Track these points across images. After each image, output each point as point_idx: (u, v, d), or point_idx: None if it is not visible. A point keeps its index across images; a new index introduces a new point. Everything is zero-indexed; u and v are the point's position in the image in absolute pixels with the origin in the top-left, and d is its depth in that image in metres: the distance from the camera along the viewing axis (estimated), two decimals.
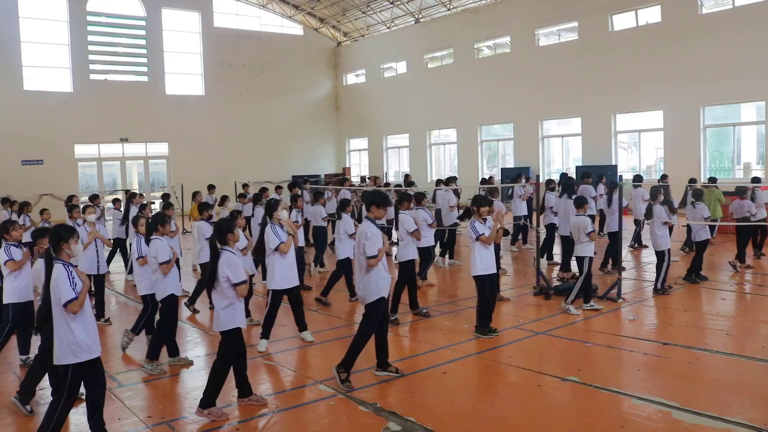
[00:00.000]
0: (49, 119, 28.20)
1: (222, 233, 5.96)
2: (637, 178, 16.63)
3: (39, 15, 28.57)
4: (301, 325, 8.30)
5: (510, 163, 28.44)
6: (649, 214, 10.71)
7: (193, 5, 32.45)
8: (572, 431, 5.47)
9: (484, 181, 17.07)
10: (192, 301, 10.26)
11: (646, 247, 14.83)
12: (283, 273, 7.90)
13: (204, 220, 10.23)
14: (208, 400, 5.84)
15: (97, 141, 30.20)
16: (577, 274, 9.59)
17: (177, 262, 7.64)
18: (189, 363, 7.48)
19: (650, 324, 8.83)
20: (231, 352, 5.99)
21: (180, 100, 31.92)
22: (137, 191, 16.63)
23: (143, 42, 31.44)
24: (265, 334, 8.04)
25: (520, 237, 16.25)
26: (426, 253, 11.17)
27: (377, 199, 6.86)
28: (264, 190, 14.58)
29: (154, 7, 31.17)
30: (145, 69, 31.54)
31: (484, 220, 8.22)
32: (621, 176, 14.29)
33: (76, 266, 5.32)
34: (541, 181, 15.78)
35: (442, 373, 6.93)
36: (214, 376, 5.90)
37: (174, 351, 7.50)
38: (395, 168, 34.66)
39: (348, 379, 6.48)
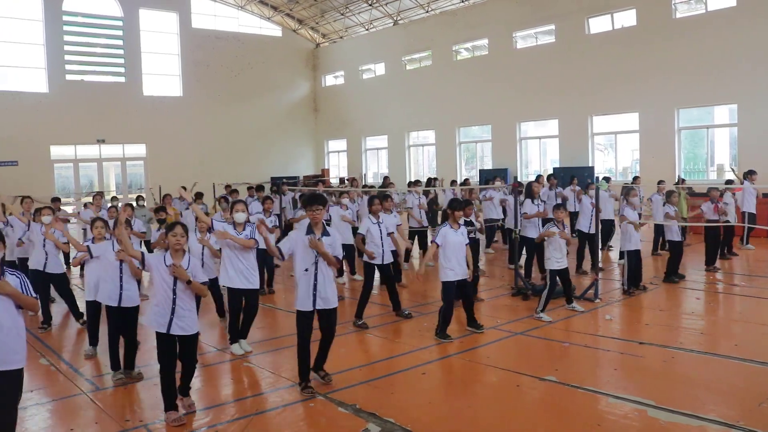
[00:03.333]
0: (24, 120, 27.82)
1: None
2: (607, 180, 16.88)
3: (13, 14, 28.18)
4: (244, 332, 8.03)
5: (488, 165, 28.59)
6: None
7: (170, 6, 32.23)
8: (550, 430, 5.53)
9: (423, 182, 17.30)
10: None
11: (611, 248, 15.01)
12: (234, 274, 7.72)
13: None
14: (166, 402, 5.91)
15: (73, 142, 29.88)
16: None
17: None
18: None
19: (626, 324, 8.95)
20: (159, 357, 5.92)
21: (157, 101, 31.68)
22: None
23: (120, 42, 31.15)
24: (233, 338, 7.99)
25: (496, 239, 16.37)
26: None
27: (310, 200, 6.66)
28: (235, 191, 14.55)
29: (131, 8, 30.90)
30: (122, 69, 31.26)
31: (459, 225, 8.25)
32: (598, 177, 14.43)
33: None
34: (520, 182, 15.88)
35: (421, 374, 6.96)
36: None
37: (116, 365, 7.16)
38: (374, 169, 34.68)
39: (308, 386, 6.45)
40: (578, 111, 24.71)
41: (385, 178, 19.17)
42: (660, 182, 14.16)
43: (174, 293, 5.79)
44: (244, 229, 7.67)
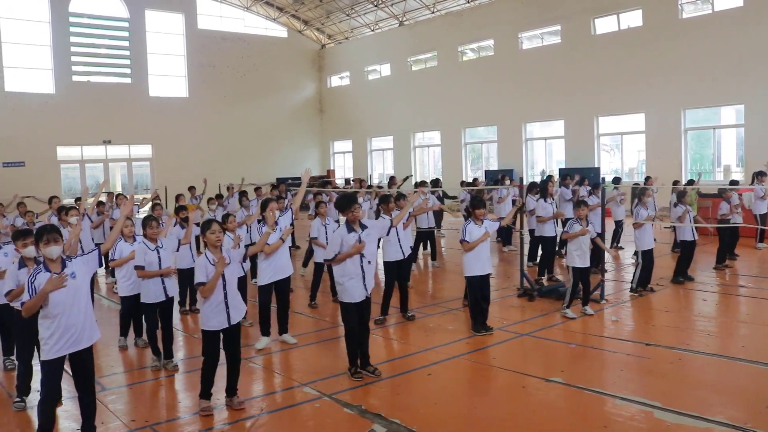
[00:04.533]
0: (31, 121, 27.95)
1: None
2: (616, 180, 16.86)
3: (20, 15, 28.30)
4: (282, 327, 8.36)
5: (494, 166, 28.55)
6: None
7: (176, 7, 32.32)
8: (556, 431, 5.52)
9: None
10: (181, 303, 10.29)
11: (622, 248, 14.99)
12: (263, 270, 7.98)
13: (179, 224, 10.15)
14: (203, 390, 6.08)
15: (79, 143, 29.98)
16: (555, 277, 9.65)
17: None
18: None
19: (633, 325, 8.92)
20: (206, 352, 6.06)
21: (164, 101, 31.77)
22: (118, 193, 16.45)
23: (126, 43, 31.25)
24: (265, 331, 8.19)
25: (499, 239, 16.36)
26: None
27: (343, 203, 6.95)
28: (244, 193, 14.55)
29: (137, 9, 31.00)
30: (128, 71, 31.35)
31: (482, 220, 8.32)
32: (603, 178, 14.39)
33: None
34: (524, 183, 15.85)
35: (427, 375, 6.96)
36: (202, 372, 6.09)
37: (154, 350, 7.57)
38: (379, 170, 34.68)
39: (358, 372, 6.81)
40: (584, 112, 24.66)
41: (392, 178, 19.15)
42: (675, 182, 14.13)
43: (224, 288, 5.95)
44: (278, 225, 7.96)
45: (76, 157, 30.28)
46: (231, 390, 6.18)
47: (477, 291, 8.38)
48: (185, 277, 9.67)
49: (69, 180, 30.40)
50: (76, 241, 6.20)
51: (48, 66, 29.09)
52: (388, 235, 7.92)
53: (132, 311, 8.13)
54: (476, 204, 8.47)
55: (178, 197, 15.06)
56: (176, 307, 10.36)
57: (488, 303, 8.57)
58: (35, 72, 28.84)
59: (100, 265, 5.66)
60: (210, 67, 33.05)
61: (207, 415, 5.90)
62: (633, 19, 23.49)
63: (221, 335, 6.05)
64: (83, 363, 5.22)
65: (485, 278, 8.45)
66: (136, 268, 7.36)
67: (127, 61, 31.30)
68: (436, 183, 18.25)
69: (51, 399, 5.19)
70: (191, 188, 18.10)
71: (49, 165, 28.68)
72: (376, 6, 32.04)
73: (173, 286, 7.67)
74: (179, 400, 6.52)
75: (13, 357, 7.23)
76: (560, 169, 24.39)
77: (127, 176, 31.69)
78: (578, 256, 9.18)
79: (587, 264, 9.23)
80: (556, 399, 6.22)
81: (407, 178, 17.51)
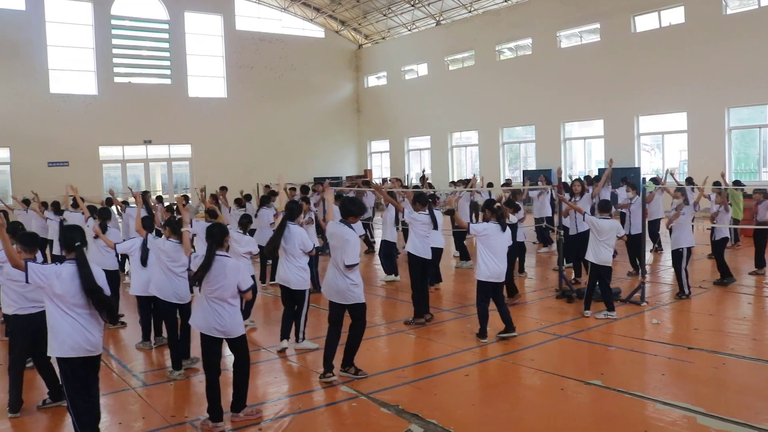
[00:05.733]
0: (75, 121, 28.58)
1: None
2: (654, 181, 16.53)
3: (65, 19, 28.95)
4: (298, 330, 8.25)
5: (532, 166, 28.32)
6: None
7: (215, 8, 32.72)
8: None
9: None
10: None
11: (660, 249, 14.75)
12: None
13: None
14: (239, 403, 5.88)
15: (121, 143, 30.55)
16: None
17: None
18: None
19: (674, 328, 8.75)
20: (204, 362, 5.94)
21: (202, 102, 32.19)
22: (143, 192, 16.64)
23: (166, 45, 31.74)
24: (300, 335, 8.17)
25: (537, 239, 16.21)
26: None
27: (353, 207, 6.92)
28: (273, 193, 14.61)
29: (177, 11, 31.46)
30: (168, 72, 31.84)
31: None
32: (644, 179, 14.15)
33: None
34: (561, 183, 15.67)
35: (464, 376, 6.92)
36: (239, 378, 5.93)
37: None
38: (416, 170, 34.63)
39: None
40: (624, 111, 24.31)
41: (423, 177, 19.07)
42: (715, 183, 13.82)
43: None
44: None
45: (117, 157, 30.88)
46: (238, 404, 5.89)
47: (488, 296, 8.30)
48: None
49: (111, 179, 30.96)
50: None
51: (91, 68, 29.69)
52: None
53: (150, 310, 8.27)
54: (491, 205, 8.44)
55: (212, 197, 15.22)
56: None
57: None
58: (79, 74, 29.44)
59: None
60: (248, 68, 33.38)
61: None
62: (675, 15, 23.08)
63: (222, 341, 5.89)
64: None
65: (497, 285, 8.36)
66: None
67: (167, 63, 31.79)
68: (467, 183, 18.15)
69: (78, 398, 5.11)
70: (223, 188, 18.23)
71: (91, 165, 29.26)
72: (412, 6, 32.01)
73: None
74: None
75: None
76: (599, 170, 24.05)
77: (167, 176, 32.17)
78: (597, 252, 9.04)
79: (606, 262, 9.07)
80: (594, 402, 6.13)
81: (424, 176, 17.41)
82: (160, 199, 15.60)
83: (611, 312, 9.03)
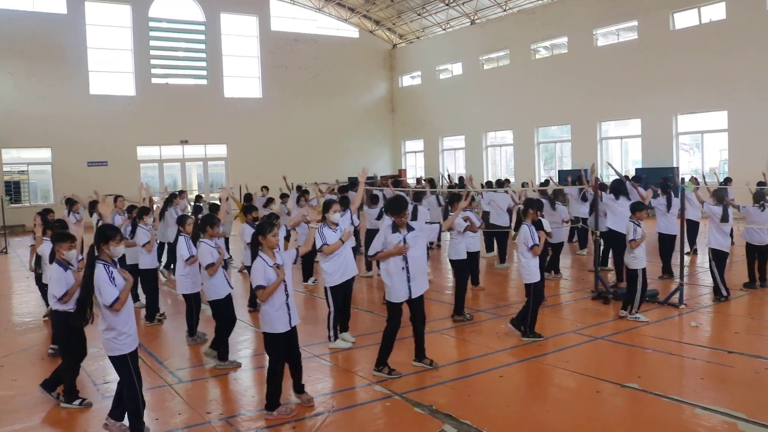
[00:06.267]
0: (113, 122, 29.09)
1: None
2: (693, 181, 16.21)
3: (104, 22, 29.49)
4: (343, 326, 8.42)
5: (567, 165, 28.03)
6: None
7: (251, 10, 33.02)
8: None
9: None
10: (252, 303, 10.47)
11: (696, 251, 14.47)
12: (333, 271, 8.01)
13: (249, 222, 10.32)
14: (271, 401, 5.93)
15: (158, 143, 31.02)
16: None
17: (225, 263, 7.85)
18: (237, 366, 7.51)
19: (713, 331, 8.58)
20: (273, 356, 6.05)
21: (238, 102, 32.51)
22: (177, 191, 16.73)
23: (203, 46, 32.13)
24: (336, 335, 8.23)
25: (575, 239, 16.02)
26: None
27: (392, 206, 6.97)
28: (305, 192, 14.68)
29: (213, 12, 31.83)
30: (204, 72, 32.23)
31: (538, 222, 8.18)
32: (683, 179, 13.92)
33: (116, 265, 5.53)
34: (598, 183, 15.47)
35: (499, 377, 6.87)
36: (269, 378, 6.00)
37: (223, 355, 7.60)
38: (451, 170, 34.50)
39: (385, 368, 6.89)
40: (662, 110, 23.92)
41: (461, 177, 19.03)
42: (759, 183, 13.48)
43: (286, 289, 5.99)
44: (338, 226, 8.09)
45: (154, 157, 31.36)
46: (299, 386, 6.22)
47: (541, 296, 8.23)
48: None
49: (148, 179, 31.39)
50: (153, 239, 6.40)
51: (129, 69, 30.19)
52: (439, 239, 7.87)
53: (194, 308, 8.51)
54: (534, 205, 8.31)
55: (248, 197, 15.37)
56: (244, 304, 10.61)
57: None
58: (117, 75, 29.94)
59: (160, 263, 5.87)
60: (283, 68, 33.63)
61: (289, 414, 5.89)
62: (715, 12, 22.63)
63: (284, 337, 6.04)
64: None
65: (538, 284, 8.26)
66: (208, 266, 7.53)
67: (203, 63, 32.17)
68: (502, 184, 18.04)
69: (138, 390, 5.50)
70: (264, 188, 18.39)
71: (129, 164, 29.74)
72: (447, 5, 31.92)
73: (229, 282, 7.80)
74: (252, 395, 6.62)
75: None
76: (636, 169, 23.74)
77: (203, 175, 32.55)
78: (636, 257, 8.90)
79: (642, 265, 8.93)
80: (631, 405, 6.03)
81: (449, 176, 17.33)
82: (198, 198, 15.79)
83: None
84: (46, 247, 8.04)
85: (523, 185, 18.57)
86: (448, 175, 18.31)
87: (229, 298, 7.68)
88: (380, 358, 6.93)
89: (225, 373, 7.29)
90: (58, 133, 27.99)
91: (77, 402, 6.33)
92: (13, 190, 28.07)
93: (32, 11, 27.87)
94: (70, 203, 13.76)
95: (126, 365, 5.42)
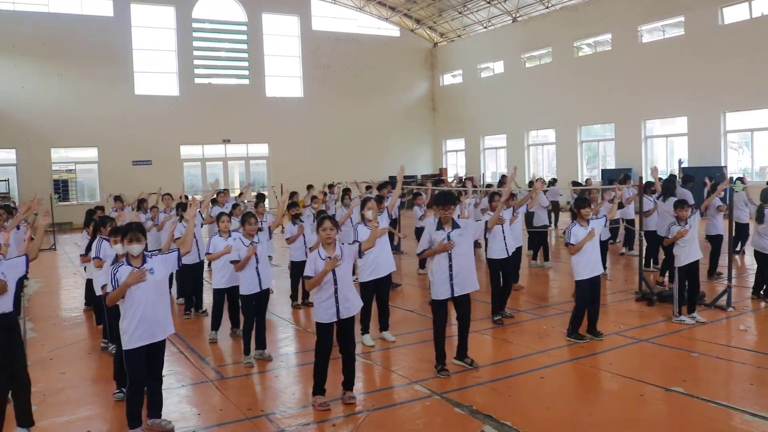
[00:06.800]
0: (158, 122, 29.64)
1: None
2: (741, 180, 15.79)
3: (149, 23, 30.04)
4: (383, 325, 8.41)
5: (611, 164, 27.61)
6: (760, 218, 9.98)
7: (292, 10, 33.28)
8: None
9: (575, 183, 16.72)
10: (293, 297, 10.55)
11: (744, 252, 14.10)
12: (363, 267, 8.07)
13: (291, 220, 10.38)
14: (315, 387, 6.19)
15: (201, 142, 31.49)
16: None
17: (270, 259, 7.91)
18: (248, 365, 7.49)
19: (764, 335, 8.33)
20: (317, 344, 6.18)
21: (280, 102, 32.80)
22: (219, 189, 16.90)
23: (245, 46, 32.49)
24: (365, 329, 8.24)
25: (619, 240, 15.77)
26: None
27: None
28: (347, 190, 14.69)
29: (255, 13, 32.16)
30: (246, 72, 32.59)
31: (587, 222, 8.01)
32: (732, 177, 13.60)
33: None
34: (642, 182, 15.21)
35: (540, 378, 6.78)
36: (314, 364, 6.21)
37: (246, 349, 7.63)
38: (492, 169, 34.31)
39: (444, 369, 6.85)
40: (709, 107, 23.37)
41: (503, 176, 18.87)
42: None
43: (335, 283, 6.03)
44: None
45: (197, 156, 31.83)
46: (348, 383, 6.26)
47: (586, 295, 8.05)
48: (298, 270, 9.88)
49: (191, 177, 31.94)
50: (191, 237, 6.41)
51: (173, 70, 30.69)
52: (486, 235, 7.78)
53: (223, 304, 8.72)
54: (580, 204, 8.11)
55: (292, 195, 15.45)
56: (288, 302, 10.70)
57: (598, 305, 8.23)
58: (161, 76, 30.48)
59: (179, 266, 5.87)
60: (324, 68, 33.81)
61: (324, 410, 5.98)
62: (767, 6, 21.99)
63: (334, 328, 6.15)
64: (156, 354, 5.59)
65: (594, 280, 8.07)
66: (232, 262, 7.60)
67: (246, 63, 32.54)
68: (552, 183, 17.87)
69: (135, 385, 5.50)
70: (310, 186, 18.46)
71: (173, 163, 30.27)
72: (488, 3, 31.71)
73: (268, 279, 7.78)
74: (293, 392, 6.66)
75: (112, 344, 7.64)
76: (684, 169, 23.20)
77: (245, 174, 32.91)
78: (681, 254, 8.70)
79: (693, 258, 8.72)
80: (676, 410, 5.89)
81: (503, 177, 17.17)
82: (239, 196, 15.93)
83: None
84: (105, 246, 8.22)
85: (574, 184, 18.28)
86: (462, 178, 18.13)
87: (254, 296, 7.62)
88: (436, 357, 6.94)
89: (268, 369, 7.35)
90: (105, 133, 28.62)
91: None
92: (62, 188, 28.79)
93: (80, 14, 28.54)
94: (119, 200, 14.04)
95: (126, 361, 5.53)
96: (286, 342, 8.62)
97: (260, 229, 7.83)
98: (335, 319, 6.08)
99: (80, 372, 7.59)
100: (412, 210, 13.97)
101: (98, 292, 7.59)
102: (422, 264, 13.43)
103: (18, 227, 10.07)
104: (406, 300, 11.17)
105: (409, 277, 13.33)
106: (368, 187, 17.23)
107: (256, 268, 7.53)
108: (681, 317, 8.71)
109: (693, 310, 8.83)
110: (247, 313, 7.62)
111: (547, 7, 30.16)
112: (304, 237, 9.90)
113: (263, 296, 7.70)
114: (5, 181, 27.09)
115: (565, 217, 20.45)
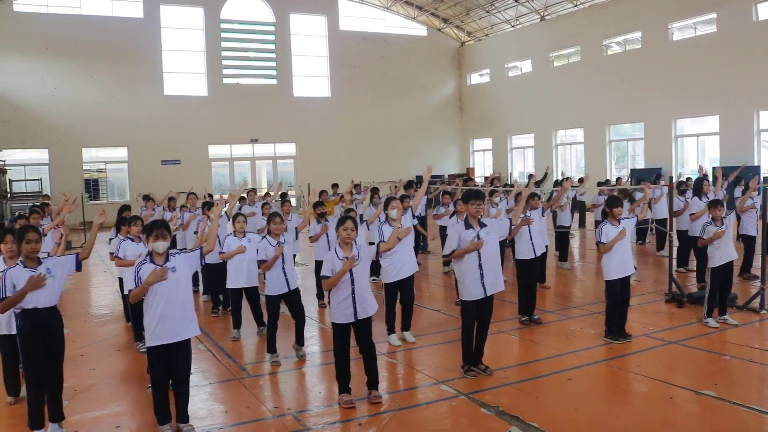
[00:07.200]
0: (186, 122, 29.93)
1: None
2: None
3: (178, 24, 30.36)
4: (405, 325, 8.39)
5: (640, 164, 27.27)
6: None
7: (319, 10, 33.38)
8: None
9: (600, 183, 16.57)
10: (319, 296, 10.59)
11: None
12: (389, 268, 8.04)
13: (316, 219, 10.42)
14: (339, 385, 6.23)
15: (229, 142, 31.74)
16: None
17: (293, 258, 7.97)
18: (275, 364, 7.53)
19: None
20: (334, 345, 6.21)
21: (307, 101, 32.92)
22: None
23: (273, 46, 32.68)
24: (390, 329, 8.23)
25: (648, 241, 15.59)
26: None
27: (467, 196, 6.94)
28: (375, 189, 14.71)
29: (283, 13, 32.33)
30: (274, 72, 32.77)
31: (618, 221, 7.92)
32: (766, 177, 13.34)
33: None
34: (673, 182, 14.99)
35: (567, 380, 6.72)
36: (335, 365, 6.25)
37: (271, 348, 7.69)
38: (520, 168, 34.09)
39: (470, 370, 6.82)
40: (742, 106, 22.96)
41: (530, 175, 18.71)
42: None
43: (352, 283, 6.04)
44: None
45: (225, 155, 32.08)
46: (372, 383, 6.25)
47: (616, 295, 7.97)
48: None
49: (219, 177, 32.21)
50: (214, 236, 6.46)
51: (201, 70, 30.96)
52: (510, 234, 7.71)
53: (241, 303, 8.79)
54: (613, 203, 8.02)
55: (321, 194, 15.55)
56: (314, 301, 10.72)
57: (627, 306, 8.13)
58: (190, 76, 30.76)
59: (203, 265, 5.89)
60: (351, 67, 33.87)
61: (349, 407, 6.00)
62: None
63: (351, 329, 6.16)
64: (179, 355, 5.53)
65: (625, 281, 8.00)
66: (260, 262, 7.64)
67: (273, 63, 32.72)
68: (581, 182, 17.71)
69: (158, 383, 5.53)
70: (334, 186, 18.55)
71: (201, 163, 30.56)
72: (516, 1, 31.51)
73: (295, 278, 7.78)
74: (319, 391, 6.68)
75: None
76: (714, 168, 22.87)
77: (272, 173, 33.10)
78: (716, 255, 8.56)
79: (728, 259, 8.56)
80: (707, 414, 5.80)
81: (545, 175, 17.01)
82: (266, 195, 16.04)
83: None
84: (127, 245, 8.29)
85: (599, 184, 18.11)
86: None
87: (281, 297, 7.64)
88: (463, 358, 6.91)
89: (295, 368, 7.38)
90: (134, 133, 28.98)
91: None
92: (92, 187, 29.21)
93: (111, 16, 28.93)
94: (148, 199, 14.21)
95: (148, 359, 5.59)
96: (312, 341, 8.64)
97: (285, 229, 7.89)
98: (353, 320, 6.08)
99: (110, 368, 7.69)
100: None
101: (126, 290, 7.72)
102: (447, 262, 13.42)
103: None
104: (433, 300, 11.14)
105: (435, 276, 13.31)
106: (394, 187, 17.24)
107: (283, 268, 7.54)
108: (707, 320, 8.56)
109: (724, 313, 8.68)
110: (273, 314, 7.64)
111: (576, 5, 29.86)
112: (327, 236, 9.92)
113: (293, 296, 7.70)
114: (38, 180, 27.59)
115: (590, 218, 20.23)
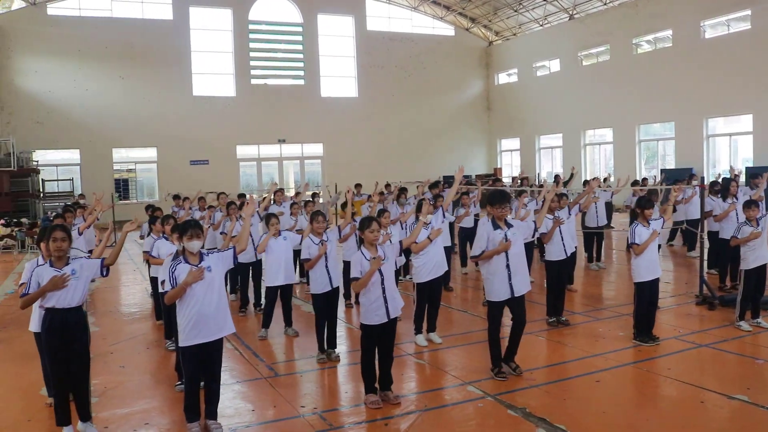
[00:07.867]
0: (215, 122, 30.21)
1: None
2: None
3: (207, 26, 30.66)
4: (430, 325, 8.36)
5: (671, 164, 26.91)
6: None
7: (347, 10, 33.47)
8: None
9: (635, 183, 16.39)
10: (346, 296, 10.61)
11: None
12: (421, 268, 8.01)
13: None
14: (365, 386, 6.22)
15: (256, 142, 31.98)
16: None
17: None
18: (335, 360, 7.60)
19: None
20: (363, 345, 6.21)
21: (334, 102, 33.03)
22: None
23: (300, 47, 32.85)
24: (418, 329, 8.21)
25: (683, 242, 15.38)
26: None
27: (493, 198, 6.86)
28: (403, 189, 14.68)
29: (310, 14, 32.47)
30: (301, 73, 32.94)
31: (649, 223, 7.83)
32: None
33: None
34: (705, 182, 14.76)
35: (595, 382, 6.65)
36: (362, 367, 6.23)
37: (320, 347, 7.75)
38: (548, 169, 33.82)
39: (501, 372, 6.75)
40: None
41: (556, 176, 18.58)
42: None
43: (383, 283, 6.04)
44: (430, 224, 8.03)
45: (253, 156, 32.33)
46: (388, 383, 6.23)
47: (646, 297, 7.88)
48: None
49: (247, 177, 32.45)
50: (247, 235, 6.47)
51: (230, 71, 31.23)
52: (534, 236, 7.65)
53: (275, 301, 8.83)
54: (644, 204, 7.93)
55: (357, 186, 15.62)
56: (341, 300, 10.74)
57: (655, 309, 8.03)
58: (219, 77, 31.05)
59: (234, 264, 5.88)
60: (378, 68, 33.91)
61: (376, 408, 6.01)
62: None
63: (380, 329, 6.16)
64: (212, 354, 5.55)
65: (654, 283, 7.91)
66: (304, 260, 7.66)
67: (301, 64, 32.89)
68: (605, 180, 17.52)
69: (191, 382, 5.55)
70: (358, 186, 18.55)
71: (229, 163, 30.84)
72: (545, 0, 31.27)
73: (338, 277, 7.82)
74: (345, 391, 6.69)
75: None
76: (746, 168, 22.48)
77: (300, 174, 33.26)
78: (749, 256, 8.41)
79: (762, 261, 8.40)
80: (739, 418, 5.69)
81: (572, 175, 16.84)
82: (296, 195, 16.10)
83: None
84: (160, 244, 8.38)
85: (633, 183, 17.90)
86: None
87: (326, 295, 7.68)
88: (492, 360, 6.86)
89: (321, 367, 7.40)
90: (164, 133, 29.35)
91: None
92: (122, 187, 29.61)
93: (141, 18, 29.32)
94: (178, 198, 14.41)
95: (181, 358, 5.63)
96: (339, 341, 8.62)
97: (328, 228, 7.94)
98: (385, 320, 6.07)
99: (139, 366, 7.78)
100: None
101: (160, 288, 7.76)
102: (464, 262, 13.39)
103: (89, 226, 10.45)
104: (459, 300, 11.11)
105: (461, 277, 13.26)
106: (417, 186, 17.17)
107: (326, 266, 7.58)
108: (739, 323, 8.41)
109: (757, 315, 8.52)
110: (320, 311, 7.66)
111: (605, 4, 29.55)
112: (356, 236, 9.93)
113: (333, 295, 7.74)
114: (70, 180, 28.04)
115: (619, 218, 20.00)
